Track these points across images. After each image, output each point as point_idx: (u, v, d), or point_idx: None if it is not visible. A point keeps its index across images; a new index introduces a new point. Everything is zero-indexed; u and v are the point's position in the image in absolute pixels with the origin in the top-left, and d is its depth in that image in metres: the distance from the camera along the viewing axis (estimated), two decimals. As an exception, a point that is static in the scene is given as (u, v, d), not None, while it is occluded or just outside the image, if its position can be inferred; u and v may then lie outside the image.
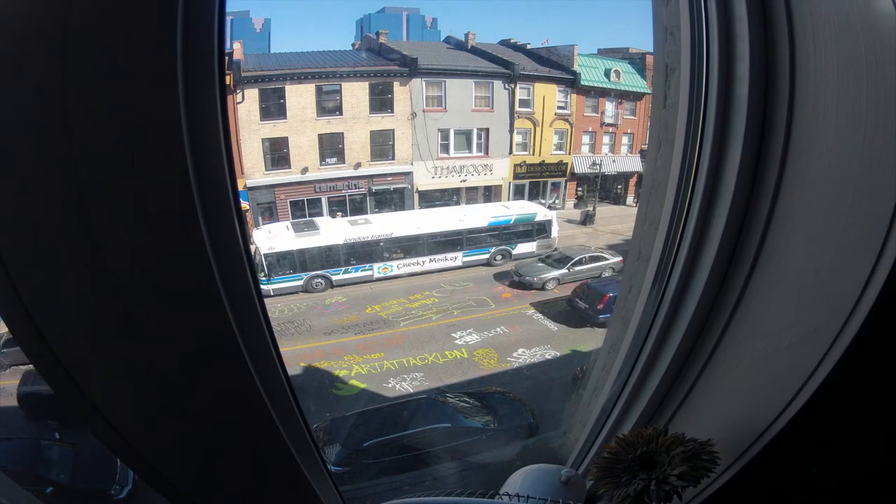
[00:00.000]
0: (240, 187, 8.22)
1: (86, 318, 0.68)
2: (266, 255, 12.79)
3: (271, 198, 16.64)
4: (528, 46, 20.76)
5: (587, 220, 18.94)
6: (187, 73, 0.62)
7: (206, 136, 0.66)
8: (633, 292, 1.48)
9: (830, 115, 0.81)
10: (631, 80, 20.34)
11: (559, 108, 19.57)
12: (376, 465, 7.20)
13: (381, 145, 17.66)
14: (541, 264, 14.45)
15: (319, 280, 13.40)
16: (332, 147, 17.08)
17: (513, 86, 18.65)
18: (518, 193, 19.84)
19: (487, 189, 19.81)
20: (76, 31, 0.56)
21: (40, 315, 0.65)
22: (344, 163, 17.31)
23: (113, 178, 0.62)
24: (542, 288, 13.59)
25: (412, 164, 18.03)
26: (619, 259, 14.30)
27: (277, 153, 16.48)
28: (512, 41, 21.12)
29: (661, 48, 1.27)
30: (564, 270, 13.98)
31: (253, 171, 16.12)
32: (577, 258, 14.33)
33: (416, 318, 12.05)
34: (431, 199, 18.73)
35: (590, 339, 10.66)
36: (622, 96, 20.32)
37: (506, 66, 18.57)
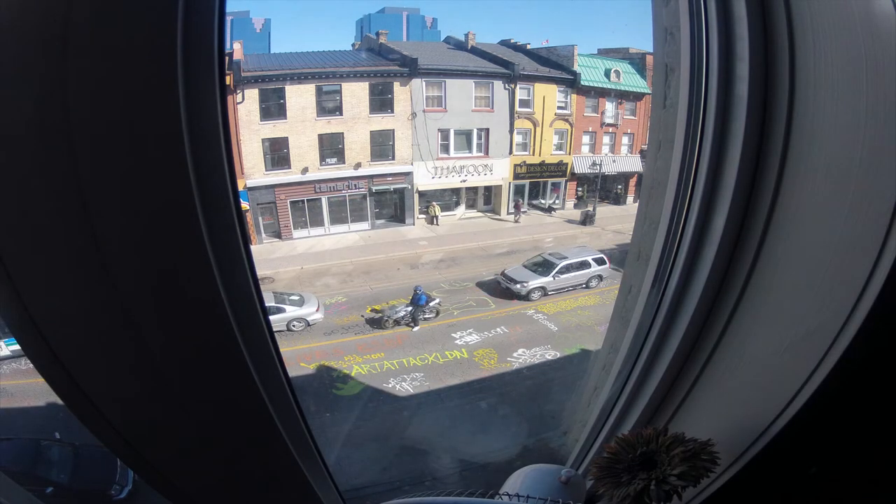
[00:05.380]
0: (240, 187, 8.22)
1: (85, 318, 0.68)
2: None
3: (271, 198, 16.64)
4: (528, 46, 20.78)
5: (587, 220, 18.96)
6: (187, 73, 0.62)
7: (206, 136, 0.66)
8: (633, 292, 1.49)
9: (830, 115, 0.81)
10: (631, 80, 20.34)
11: (559, 108, 19.57)
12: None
13: (381, 145, 17.66)
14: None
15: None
16: (332, 147, 17.08)
17: (513, 86, 18.65)
18: (518, 193, 19.85)
19: (487, 189, 19.83)
20: (76, 32, 0.56)
21: (40, 315, 0.65)
22: (344, 163, 17.31)
23: (113, 179, 0.62)
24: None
25: (412, 164, 18.04)
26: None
27: (277, 153, 16.48)
28: (512, 41, 21.13)
29: (661, 48, 1.27)
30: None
31: (253, 171, 16.12)
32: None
33: (416, 318, 12.04)
34: (432, 198, 18.75)
35: (590, 339, 10.67)
36: (622, 96, 20.32)
37: (506, 66, 18.57)
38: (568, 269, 13.27)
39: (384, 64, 17.48)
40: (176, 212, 0.66)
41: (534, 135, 19.44)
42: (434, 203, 18.73)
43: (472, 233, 17.87)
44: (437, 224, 18.51)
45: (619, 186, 21.29)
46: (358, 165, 17.46)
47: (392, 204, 18.60)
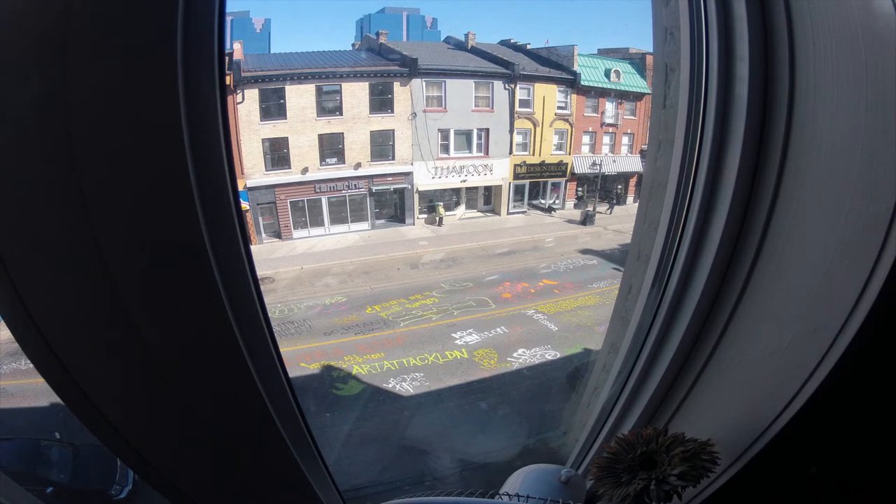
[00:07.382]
0: (240, 187, 8.23)
1: (86, 318, 0.68)
2: None
3: (271, 198, 16.65)
4: (529, 47, 20.78)
5: (587, 220, 18.97)
6: (187, 73, 0.62)
7: (206, 137, 0.66)
8: (632, 292, 1.49)
9: (830, 115, 0.81)
10: (631, 80, 20.34)
11: (559, 108, 19.57)
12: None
13: (381, 145, 17.67)
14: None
15: None
16: (332, 147, 17.09)
17: (513, 86, 18.65)
18: (518, 193, 19.86)
19: (487, 189, 19.83)
20: (76, 32, 0.56)
21: (40, 315, 0.65)
22: (344, 163, 17.32)
23: (113, 179, 0.62)
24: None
25: (412, 164, 18.04)
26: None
27: (277, 153, 16.48)
28: (512, 41, 21.13)
29: (661, 48, 1.27)
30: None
31: (253, 171, 16.12)
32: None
33: (416, 318, 12.05)
34: (432, 198, 18.76)
35: (590, 339, 10.66)
36: (622, 96, 20.32)
37: (506, 66, 18.57)
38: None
39: (384, 64, 17.48)
40: (176, 212, 0.66)
41: (534, 135, 19.44)
42: (439, 204, 18.74)
43: (472, 233, 17.88)
44: (441, 224, 18.52)
45: (619, 186, 21.29)
46: (358, 165, 17.46)
47: (392, 204, 18.61)
